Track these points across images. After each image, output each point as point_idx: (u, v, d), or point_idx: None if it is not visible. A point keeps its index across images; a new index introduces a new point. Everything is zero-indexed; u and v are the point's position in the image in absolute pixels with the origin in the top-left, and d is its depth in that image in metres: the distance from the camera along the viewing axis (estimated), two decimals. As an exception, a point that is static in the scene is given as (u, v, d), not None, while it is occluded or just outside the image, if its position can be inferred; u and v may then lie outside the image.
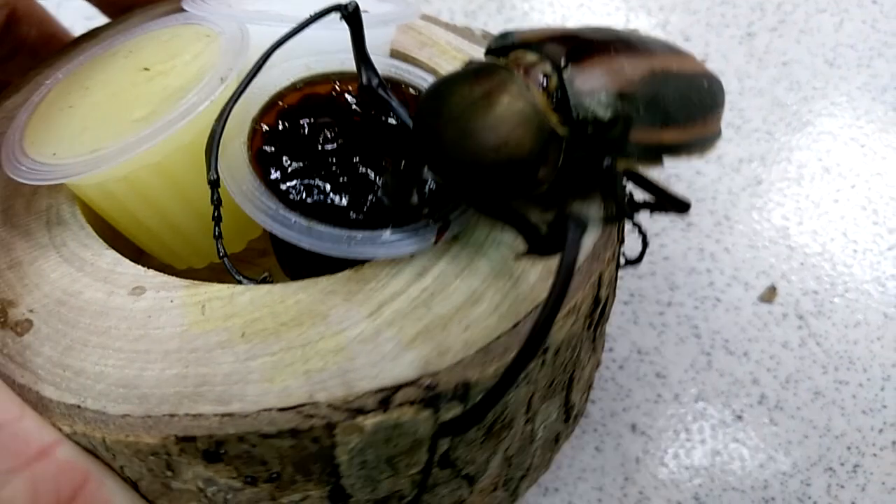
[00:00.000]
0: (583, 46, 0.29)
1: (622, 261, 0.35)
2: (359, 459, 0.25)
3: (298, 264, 0.31)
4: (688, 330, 0.45)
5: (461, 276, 0.27)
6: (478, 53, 0.37)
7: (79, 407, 0.25)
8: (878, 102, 0.51)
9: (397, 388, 0.24)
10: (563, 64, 0.28)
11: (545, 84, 0.27)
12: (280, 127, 0.30)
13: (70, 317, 0.27)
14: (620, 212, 0.31)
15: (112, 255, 0.28)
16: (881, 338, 0.45)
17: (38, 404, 0.25)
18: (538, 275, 0.28)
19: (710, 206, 0.49)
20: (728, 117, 0.51)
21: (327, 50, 0.32)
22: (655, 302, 0.46)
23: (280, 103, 0.31)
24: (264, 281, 0.27)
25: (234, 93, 0.28)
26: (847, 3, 0.53)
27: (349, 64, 0.31)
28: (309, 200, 0.28)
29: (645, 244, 0.36)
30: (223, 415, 0.24)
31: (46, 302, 0.27)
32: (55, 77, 0.32)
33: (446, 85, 0.27)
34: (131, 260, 0.28)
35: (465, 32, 0.38)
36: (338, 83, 0.32)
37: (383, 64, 0.32)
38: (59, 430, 0.25)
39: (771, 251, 0.47)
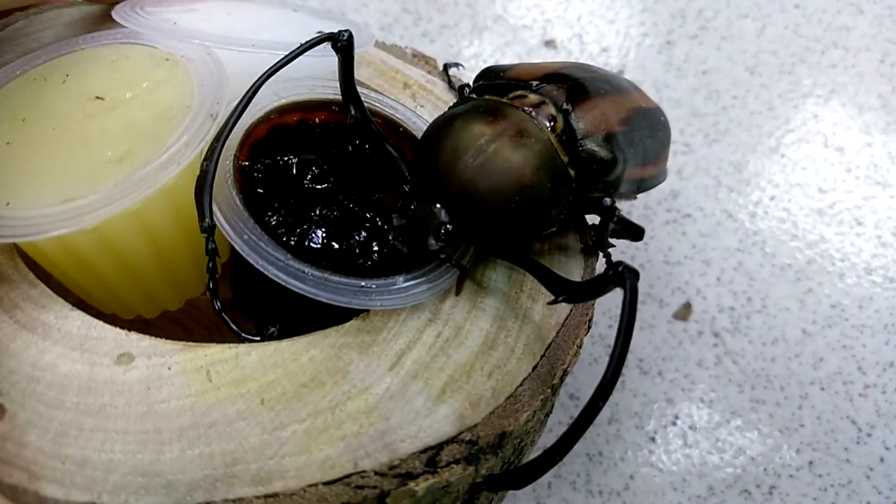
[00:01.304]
0: (577, 89, 0.30)
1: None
2: None
3: (274, 309, 0.29)
4: (601, 349, 0.44)
5: (469, 319, 0.27)
6: (412, 73, 0.37)
7: None
8: (799, 111, 0.50)
9: (440, 447, 0.24)
10: (566, 106, 0.29)
11: (553, 125, 0.28)
12: (264, 166, 0.28)
13: (50, 396, 0.24)
14: (602, 244, 0.31)
15: (80, 316, 0.25)
16: (799, 355, 0.45)
17: None
18: (542, 311, 0.28)
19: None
20: None
21: (294, 77, 0.30)
22: (569, 322, 0.45)
23: (253, 136, 0.29)
24: (271, 337, 0.26)
25: (223, 129, 0.25)
26: (769, 8, 0.52)
27: (318, 90, 0.31)
28: (312, 246, 0.27)
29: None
30: (266, 496, 0.22)
31: (15, 380, 0.24)
32: None
33: (459, 122, 0.27)
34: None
35: (396, 51, 0.38)
36: (309, 112, 0.30)
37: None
38: None
39: (686, 267, 0.46)
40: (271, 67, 0.26)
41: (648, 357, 0.44)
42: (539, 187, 0.27)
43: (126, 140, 0.26)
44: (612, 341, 0.44)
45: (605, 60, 0.51)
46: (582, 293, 0.26)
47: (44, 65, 0.29)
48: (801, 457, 0.43)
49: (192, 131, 0.26)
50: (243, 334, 0.25)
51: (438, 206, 0.26)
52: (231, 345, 0.25)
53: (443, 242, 0.26)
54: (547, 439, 0.42)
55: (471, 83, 0.34)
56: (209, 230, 0.25)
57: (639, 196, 0.47)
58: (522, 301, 0.28)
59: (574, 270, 0.30)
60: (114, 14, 0.31)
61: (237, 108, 0.26)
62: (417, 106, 0.35)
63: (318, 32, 0.27)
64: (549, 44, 0.51)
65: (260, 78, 0.26)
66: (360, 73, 0.35)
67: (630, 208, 0.47)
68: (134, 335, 0.25)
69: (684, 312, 0.45)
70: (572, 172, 0.28)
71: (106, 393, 0.24)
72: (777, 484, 0.42)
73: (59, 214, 0.24)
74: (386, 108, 0.32)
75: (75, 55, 0.30)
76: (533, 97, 0.29)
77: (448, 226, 0.26)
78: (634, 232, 0.33)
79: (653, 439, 0.42)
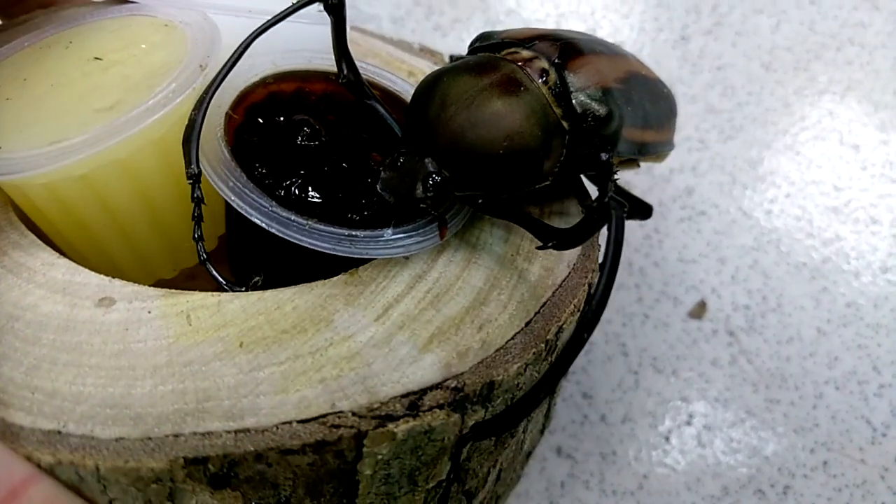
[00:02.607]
0: (571, 46, 0.29)
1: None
2: (382, 473, 0.24)
3: (272, 268, 0.29)
4: (615, 348, 0.44)
5: (462, 277, 0.27)
6: (418, 63, 0.36)
7: (59, 433, 0.22)
8: (815, 108, 0.50)
9: (424, 392, 0.23)
10: (558, 61, 0.29)
11: (545, 79, 0.28)
12: (256, 122, 0.29)
13: (28, 333, 0.24)
14: (604, 209, 0.31)
15: (66, 263, 0.26)
16: (814, 354, 0.44)
17: (7, 433, 0.22)
18: (538, 272, 0.28)
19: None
20: None
21: (293, 48, 0.30)
22: (583, 319, 0.45)
23: (249, 99, 0.29)
24: (255, 287, 0.25)
25: (213, 81, 0.26)
26: (785, 4, 0.52)
27: (316, 62, 0.31)
28: (299, 198, 0.27)
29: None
30: (237, 431, 0.22)
31: None
32: None
33: (449, 76, 0.27)
34: None
35: (403, 45, 0.38)
36: (306, 81, 0.31)
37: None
38: (37, 463, 0.22)
39: (701, 265, 0.46)
40: (264, 24, 0.26)
41: (663, 356, 0.44)
42: (529, 136, 0.27)
43: (117, 93, 0.27)
44: (625, 339, 0.44)
45: None
46: (572, 238, 0.26)
47: (51, 36, 0.30)
48: (816, 457, 0.43)
49: (180, 80, 0.26)
50: (226, 284, 0.25)
51: (427, 158, 0.26)
52: (215, 293, 0.25)
53: (431, 192, 0.26)
54: (546, 443, 0.42)
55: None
56: (195, 178, 0.25)
57: (652, 189, 0.47)
58: (518, 263, 0.28)
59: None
60: None
61: (228, 61, 0.26)
62: None
63: None
64: None
65: (252, 33, 0.26)
66: (365, 63, 0.35)
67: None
68: (117, 282, 0.25)
69: (699, 311, 0.45)
70: (565, 124, 0.28)
71: (84, 332, 0.24)
72: (791, 484, 0.42)
73: (45, 154, 0.25)
74: (384, 81, 0.32)
75: (82, 27, 0.31)
76: (525, 53, 0.29)
77: (436, 176, 0.26)
78: (642, 209, 0.32)
79: (667, 439, 0.42)
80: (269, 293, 0.25)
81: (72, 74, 0.28)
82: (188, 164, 0.25)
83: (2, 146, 0.26)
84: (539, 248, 0.27)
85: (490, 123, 0.26)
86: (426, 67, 0.36)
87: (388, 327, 0.25)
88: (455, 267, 0.28)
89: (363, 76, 0.29)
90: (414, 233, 0.27)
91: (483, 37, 0.32)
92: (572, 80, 0.29)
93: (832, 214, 0.48)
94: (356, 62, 0.29)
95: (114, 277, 0.27)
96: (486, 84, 0.27)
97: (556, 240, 0.26)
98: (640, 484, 0.42)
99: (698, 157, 0.48)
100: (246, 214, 0.25)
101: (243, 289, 0.26)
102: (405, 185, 0.26)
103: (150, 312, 0.25)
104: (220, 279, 0.25)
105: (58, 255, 0.26)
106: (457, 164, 0.26)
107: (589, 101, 0.29)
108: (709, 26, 0.52)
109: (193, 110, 0.26)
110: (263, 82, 0.30)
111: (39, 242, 0.27)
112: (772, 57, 0.51)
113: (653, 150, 0.33)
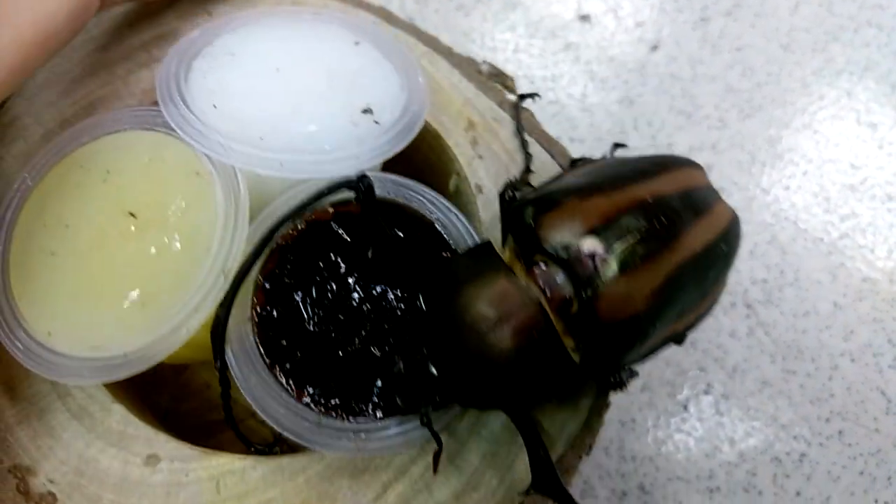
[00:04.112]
0: (614, 262, 0.27)
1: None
2: None
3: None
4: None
5: (455, 462, 0.29)
6: (480, 104, 0.36)
7: None
8: (833, 88, 0.51)
9: None
10: (587, 294, 0.26)
11: (566, 310, 0.27)
12: (277, 303, 0.30)
13: (92, 491, 0.29)
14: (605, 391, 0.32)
15: (120, 411, 0.29)
16: (830, 327, 0.46)
17: None
18: (525, 466, 0.29)
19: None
20: (680, 105, 0.51)
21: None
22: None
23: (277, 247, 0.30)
24: (274, 447, 0.29)
25: (236, 277, 0.28)
26: None
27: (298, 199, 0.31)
28: (315, 388, 0.29)
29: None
30: None
31: (65, 471, 0.29)
32: (23, 180, 0.31)
33: (468, 296, 0.27)
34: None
35: (470, 67, 0.37)
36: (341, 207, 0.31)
37: (380, 182, 0.32)
38: None
39: (720, 240, 0.47)
40: (280, 220, 0.29)
41: (682, 327, 0.45)
42: (535, 376, 0.27)
43: (149, 278, 0.29)
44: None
45: (640, 35, 0.52)
46: (553, 490, 0.27)
47: (88, 146, 0.31)
48: (831, 426, 0.44)
49: (203, 292, 0.28)
50: (254, 447, 0.29)
51: (434, 370, 0.27)
52: (240, 456, 0.29)
53: (431, 408, 0.27)
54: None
55: (509, 192, 0.31)
56: (221, 369, 0.28)
57: None
58: (518, 439, 0.29)
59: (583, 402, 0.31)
60: (161, 106, 0.31)
61: (249, 260, 0.28)
62: (475, 157, 0.35)
63: (339, 183, 0.29)
64: (584, 18, 0.52)
65: (275, 224, 0.29)
66: (399, 187, 0.34)
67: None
68: (162, 436, 0.30)
69: (718, 284, 0.46)
70: (577, 357, 0.27)
71: (135, 494, 0.29)
72: (807, 452, 0.43)
73: (88, 367, 0.28)
74: (423, 209, 0.32)
75: (116, 139, 0.32)
76: (553, 271, 0.27)
77: (437, 398, 0.27)
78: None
79: (685, 407, 0.43)
80: (285, 460, 0.29)
81: (109, 232, 0.29)
82: (215, 356, 0.28)
83: (51, 332, 0.28)
84: (523, 493, 0.28)
85: (498, 364, 0.26)
86: (488, 113, 0.36)
87: None
88: (453, 444, 0.30)
89: (393, 199, 0.31)
90: (417, 427, 0.28)
91: (523, 208, 0.29)
92: (595, 315, 0.27)
93: (849, 192, 0.49)
94: (392, 177, 0.32)
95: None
96: (500, 320, 0.26)
97: (537, 487, 0.27)
98: (658, 450, 0.43)
99: (718, 135, 0.49)
100: (261, 415, 0.28)
101: (266, 450, 0.29)
102: (411, 394, 0.27)
103: (187, 476, 0.29)
104: (249, 442, 0.29)
105: (112, 398, 0.30)
106: (460, 385, 0.27)
107: (609, 337, 0.27)
108: (728, 7, 0.53)
109: (219, 307, 0.27)
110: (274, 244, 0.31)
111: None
112: (790, 38, 0.52)
113: (692, 327, 0.31)
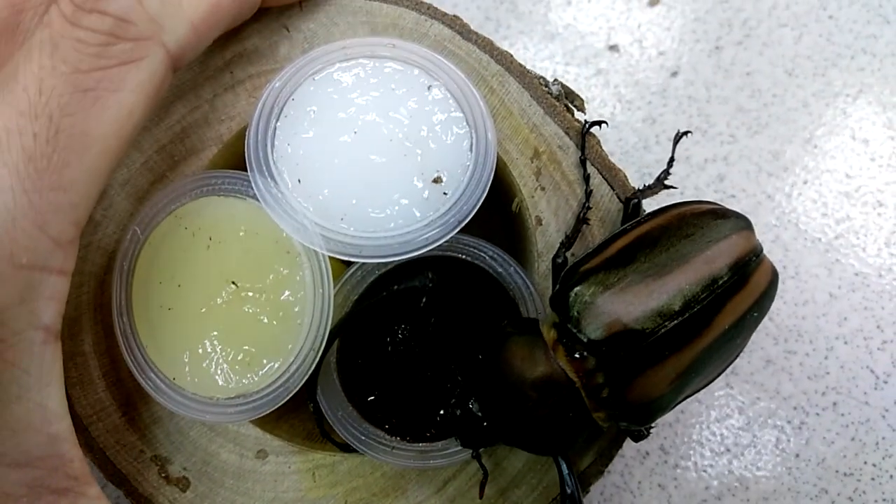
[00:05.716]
0: (644, 354, 0.28)
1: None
2: None
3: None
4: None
5: (502, 465, 0.34)
6: (548, 131, 0.34)
7: None
8: (830, 108, 0.54)
9: None
10: (618, 384, 0.28)
11: (597, 392, 0.29)
12: (357, 354, 0.34)
13: (216, 476, 0.33)
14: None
15: None
16: (826, 314, 0.50)
17: None
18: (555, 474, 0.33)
19: (678, 200, 0.54)
20: (696, 122, 0.54)
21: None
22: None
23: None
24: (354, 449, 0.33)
25: (319, 370, 0.32)
26: (806, 19, 0.56)
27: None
28: (388, 421, 0.33)
29: None
30: None
31: (195, 461, 0.33)
32: (133, 232, 0.32)
33: (517, 373, 0.29)
34: None
35: (540, 88, 0.35)
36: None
37: (449, 241, 0.32)
38: None
39: (730, 239, 0.52)
40: (346, 317, 0.32)
41: (697, 313, 0.50)
42: (567, 433, 0.29)
43: (252, 342, 0.31)
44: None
45: (662, 63, 0.56)
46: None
47: (188, 206, 0.32)
48: (827, 398, 0.47)
49: (297, 363, 0.31)
50: (343, 451, 0.33)
51: (485, 422, 0.30)
52: (332, 453, 0.34)
53: (479, 447, 0.31)
54: None
55: (562, 255, 0.32)
56: (315, 409, 0.32)
57: (689, 176, 0.54)
58: (547, 461, 0.34)
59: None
60: (253, 180, 0.31)
61: (333, 336, 0.31)
62: (538, 187, 0.34)
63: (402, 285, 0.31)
64: (613, 48, 0.57)
65: (339, 323, 0.32)
66: (496, 126, 0.33)
67: (683, 189, 0.53)
68: (268, 436, 0.34)
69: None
70: (603, 425, 0.30)
71: (250, 480, 0.33)
72: (806, 420, 0.47)
73: (211, 411, 0.31)
74: (486, 265, 0.34)
75: (215, 204, 0.32)
76: (590, 362, 0.28)
77: (486, 440, 0.30)
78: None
79: (700, 381, 0.49)
80: (367, 459, 0.33)
81: (215, 297, 0.31)
82: (308, 399, 0.32)
83: (175, 377, 0.31)
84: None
85: (537, 425, 0.29)
86: (554, 141, 0.34)
87: (442, 500, 0.33)
88: (503, 449, 0.34)
89: (450, 255, 0.33)
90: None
91: (569, 298, 0.29)
92: (623, 399, 0.29)
93: (844, 198, 0.52)
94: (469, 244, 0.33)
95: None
96: (542, 401, 0.29)
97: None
98: (676, 418, 0.47)
99: (729, 149, 0.54)
100: (347, 440, 0.32)
101: (351, 450, 0.33)
102: (464, 433, 0.30)
103: (290, 467, 0.34)
104: (338, 446, 0.33)
105: None
106: (504, 433, 0.30)
107: (636, 415, 0.29)
108: (739, 38, 0.56)
109: (309, 392, 0.32)
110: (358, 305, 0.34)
111: None
112: (794, 64, 0.55)
113: (697, 392, 0.33)
